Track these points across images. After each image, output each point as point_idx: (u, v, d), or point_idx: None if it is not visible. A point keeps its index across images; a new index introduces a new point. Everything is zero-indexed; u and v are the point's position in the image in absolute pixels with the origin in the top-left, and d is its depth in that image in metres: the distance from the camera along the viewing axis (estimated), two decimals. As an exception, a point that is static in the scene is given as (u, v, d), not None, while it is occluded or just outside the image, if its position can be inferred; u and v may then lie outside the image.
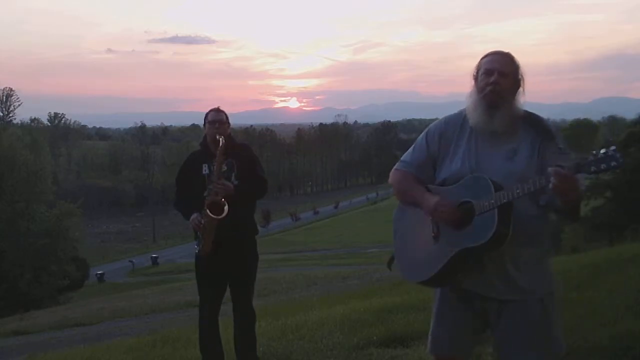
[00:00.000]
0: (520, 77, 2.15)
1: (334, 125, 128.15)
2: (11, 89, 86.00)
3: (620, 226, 22.26)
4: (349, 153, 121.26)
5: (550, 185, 1.86)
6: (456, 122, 2.22)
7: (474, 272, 2.11)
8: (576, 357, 3.52)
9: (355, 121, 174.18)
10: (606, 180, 25.16)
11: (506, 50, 2.18)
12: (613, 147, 1.85)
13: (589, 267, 6.44)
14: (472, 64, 2.20)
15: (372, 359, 3.92)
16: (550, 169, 1.87)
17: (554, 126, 2.15)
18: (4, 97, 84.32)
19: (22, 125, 72.99)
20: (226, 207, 3.50)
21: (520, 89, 2.15)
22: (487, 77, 2.10)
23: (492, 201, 1.98)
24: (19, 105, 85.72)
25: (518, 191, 1.96)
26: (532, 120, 2.14)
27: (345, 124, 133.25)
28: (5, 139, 38.98)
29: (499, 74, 2.08)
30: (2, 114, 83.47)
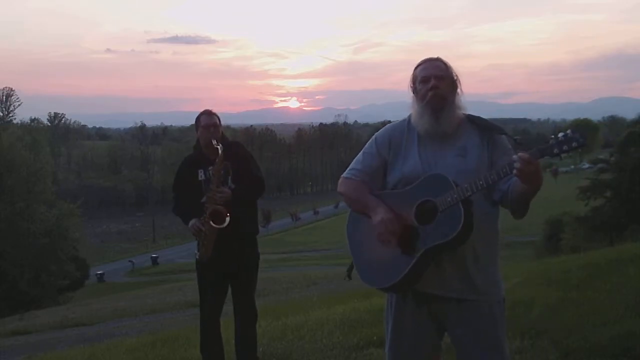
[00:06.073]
0: (455, 78, 2.19)
1: (334, 125, 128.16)
2: (11, 89, 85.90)
3: (620, 226, 22.27)
4: (349, 153, 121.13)
5: (515, 171, 1.90)
6: (402, 129, 2.25)
7: (430, 273, 2.10)
8: (576, 357, 3.52)
9: (355, 121, 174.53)
10: (606, 180, 25.17)
11: (435, 56, 2.24)
12: (570, 130, 1.91)
13: (589, 267, 6.42)
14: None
15: (372, 359, 3.92)
16: (515, 156, 1.91)
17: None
18: (4, 97, 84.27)
19: (22, 125, 72.70)
20: (228, 218, 3.48)
21: (458, 89, 2.19)
22: (425, 85, 2.16)
23: (455, 196, 1.99)
24: (19, 105, 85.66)
25: (481, 182, 1.98)
26: (474, 120, 2.20)
27: (345, 124, 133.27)
28: (5, 139, 38.84)
29: (436, 78, 2.14)
30: (2, 114, 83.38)
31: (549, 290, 5.30)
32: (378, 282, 2.18)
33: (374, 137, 2.32)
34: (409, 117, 2.25)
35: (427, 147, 2.17)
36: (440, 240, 2.01)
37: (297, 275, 23.97)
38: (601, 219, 23.77)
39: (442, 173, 2.06)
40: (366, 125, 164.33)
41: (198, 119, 3.71)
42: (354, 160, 2.33)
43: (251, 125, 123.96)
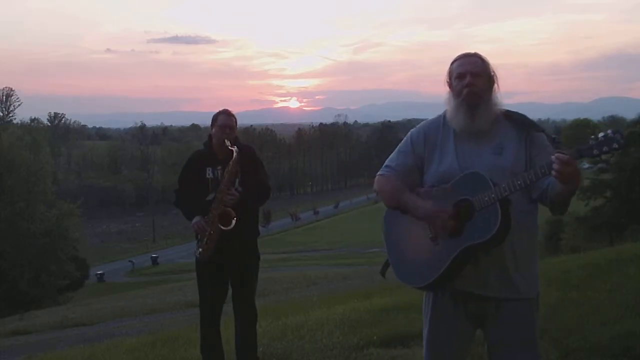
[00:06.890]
0: (492, 74, 2.17)
1: (334, 125, 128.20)
2: (11, 89, 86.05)
3: (620, 226, 22.27)
4: (349, 153, 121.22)
5: (553, 172, 1.87)
6: (437, 126, 2.24)
7: (469, 272, 2.10)
8: (576, 357, 3.53)
9: (355, 121, 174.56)
10: (606, 180, 25.17)
11: (473, 51, 2.21)
12: (610, 130, 1.87)
13: (589, 267, 6.42)
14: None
15: (372, 359, 3.92)
16: (552, 156, 1.88)
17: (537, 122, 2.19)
18: (4, 97, 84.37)
19: (22, 125, 72.69)
20: (234, 220, 3.48)
21: (495, 86, 2.17)
22: (461, 81, 2.13)
23: (493, 195, 1.97)
24: (19, 105, 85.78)
25: (519, 182, 1.96)
26: (512, 116, 2.17)
27: (345, 124, 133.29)
28: (5, 139, 38.89)
29: (472, 75, 2.11)
30: (2, 114, 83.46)
31: (549, 290, 5.29)
32: (415, 281, 2.18)
33: (409, 134, 2.30)
34: (444, 112, 2.23)
35: (463, 144, 2.16)
36: (477, 240, 2.00)
37: (297, 275, 23.96)
38: (601, 219, 23.77)
39: (480, 172, 2.04)
40: (366, 125, 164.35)
41: (216, 117, 3.68)
42: (389, 157, 2.31)
43: (251, 125, 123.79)
